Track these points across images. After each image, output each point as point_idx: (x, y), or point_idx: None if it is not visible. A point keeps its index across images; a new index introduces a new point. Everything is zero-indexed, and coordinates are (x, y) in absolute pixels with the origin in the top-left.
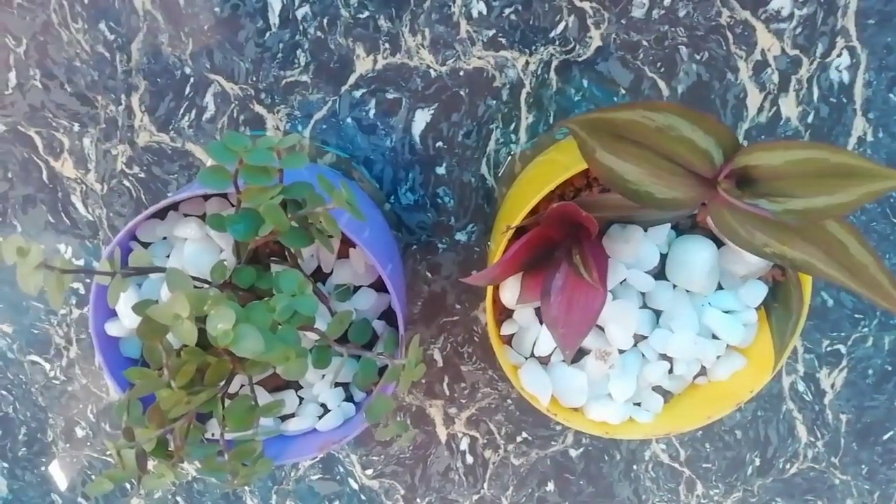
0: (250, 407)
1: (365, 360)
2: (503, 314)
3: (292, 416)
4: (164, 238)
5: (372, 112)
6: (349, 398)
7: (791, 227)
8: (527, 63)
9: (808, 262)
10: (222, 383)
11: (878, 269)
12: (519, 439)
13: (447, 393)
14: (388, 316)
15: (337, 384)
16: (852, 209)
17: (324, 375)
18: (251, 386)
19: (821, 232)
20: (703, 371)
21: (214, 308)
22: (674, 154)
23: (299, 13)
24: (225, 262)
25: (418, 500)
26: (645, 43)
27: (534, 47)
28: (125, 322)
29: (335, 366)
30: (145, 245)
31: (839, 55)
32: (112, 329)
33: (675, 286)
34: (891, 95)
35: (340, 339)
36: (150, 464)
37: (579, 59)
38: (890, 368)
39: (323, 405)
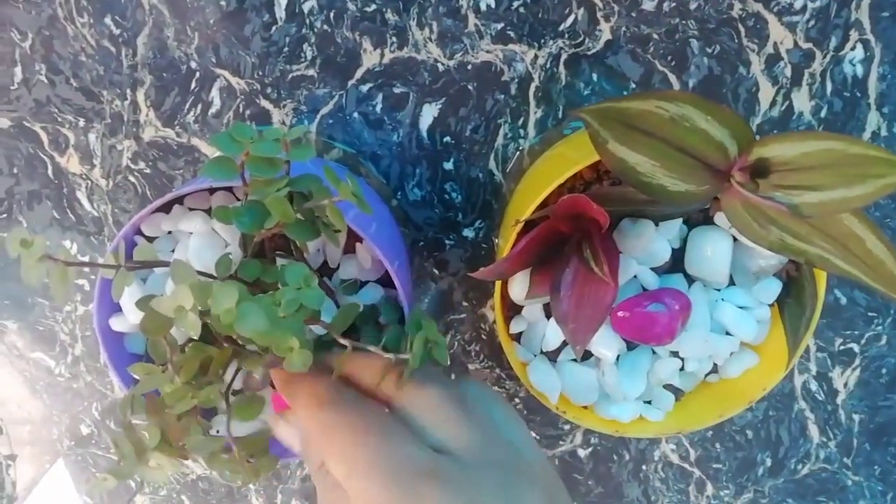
0: (257, 400)
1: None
2: (511, 311)
3: None
4: (169, 233)
5: (379, 107)
6: None
7: (806, 221)
8: (535, 57)
9: (823, 257)
10: (226, 377)
11: None
12: None
13: None
14: None
15: None
16: (870, 201)
17: None
18: None
19: (837, 226)
20: (714, 368)
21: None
22: (687, 145)
23: (306, 7)
24: (230, 256)
25: None
26: (655, 36)
27: (543, 41)
28: (130, 317)
29: None
30: (150, 240)
31: (853, 48)
32: (116, 324)
33: (691, 282)
34: None
35: (346, 332)
36: (152, 460)
37: (589, 53)
38: None
39: None
